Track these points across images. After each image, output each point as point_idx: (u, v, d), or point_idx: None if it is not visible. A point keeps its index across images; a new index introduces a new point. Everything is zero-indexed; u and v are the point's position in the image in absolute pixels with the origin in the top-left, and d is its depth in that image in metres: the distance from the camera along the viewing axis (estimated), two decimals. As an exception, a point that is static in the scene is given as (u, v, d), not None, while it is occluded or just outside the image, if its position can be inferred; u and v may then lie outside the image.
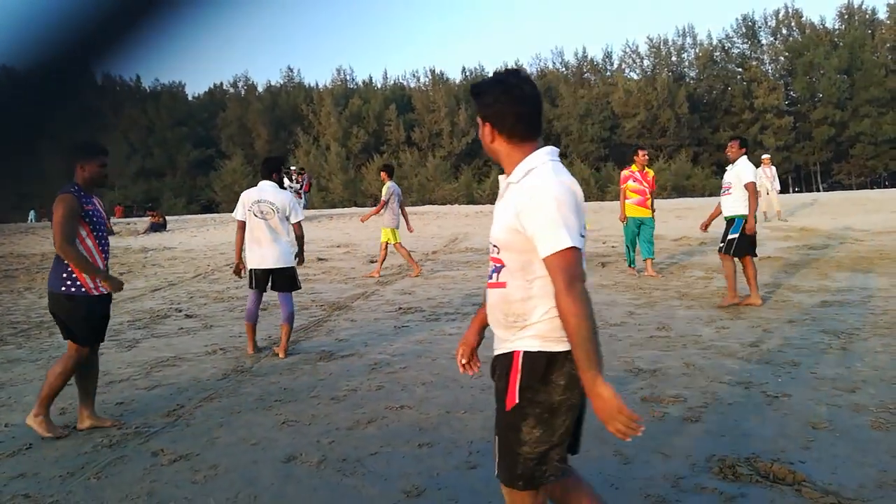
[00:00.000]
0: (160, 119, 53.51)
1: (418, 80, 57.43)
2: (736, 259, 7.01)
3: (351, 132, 51.35)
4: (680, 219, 16.80)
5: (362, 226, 20.57)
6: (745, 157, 7.13)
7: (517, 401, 1.91)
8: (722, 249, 7.12)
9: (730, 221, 7.11)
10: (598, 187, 41.83)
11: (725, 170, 7.33)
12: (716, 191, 39.16)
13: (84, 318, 3.98)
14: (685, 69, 52.91)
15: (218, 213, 39.68)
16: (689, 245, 11.94)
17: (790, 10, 51.56)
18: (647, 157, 9.53)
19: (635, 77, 51.81)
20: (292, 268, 5.76)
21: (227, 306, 8.15)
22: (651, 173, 9.44)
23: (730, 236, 7.03)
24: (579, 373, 1.80)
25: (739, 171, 7.06)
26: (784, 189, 46.05)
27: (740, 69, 51.73)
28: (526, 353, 1.92)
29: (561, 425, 1.92)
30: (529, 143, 1.99)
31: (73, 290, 3.94)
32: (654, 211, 9.29)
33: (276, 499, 3.08)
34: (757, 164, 16.07)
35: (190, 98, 60.11)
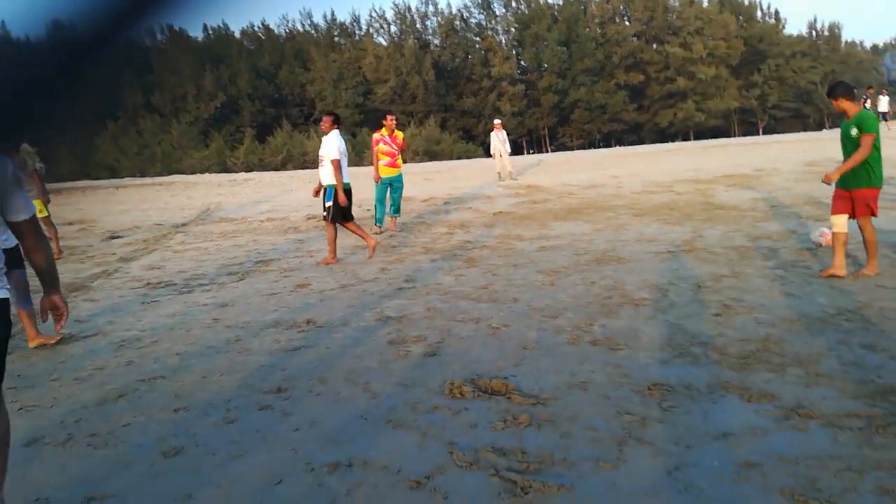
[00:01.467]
0: None
1: (154, 38, 52.46)
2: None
3: (76, 95, 45.48)
4: (428, 181, 17.97)
5: (99, 199, 18.65)
6: (335, 131, 7.91)
7: None
8: (325, 218, 7.90)
9: (325, 191, 7.90)
10: (356, 153, 42.42)
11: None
12: (463, 155, 41.95)
13: None
14: (430, 37, 55.42)
15: None
16: (436, 205, 12.92)
17: (517, -18, 56.39)
18: (394, 121, 10.23)
19: (384, 43, 53.04)
20: None
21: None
22: (401, 136, 10.24)
23: (326, 204, 7.83)
24: None
25: (327, 146, 7.86)
26: (519, 151, 51.11)
27: (478, 39, 55.64)
28: None
29: None
30: None
31: None
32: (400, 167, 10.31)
33: (20, 481, 2.96)
34: (491, 129, 17.75)
35: None
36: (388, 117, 10.29)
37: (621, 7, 57.18)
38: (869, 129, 5.55)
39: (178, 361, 4.58)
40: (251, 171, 36.00)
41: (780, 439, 2.90)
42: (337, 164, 7.74)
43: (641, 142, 53.38)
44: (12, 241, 4.92)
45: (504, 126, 17.91)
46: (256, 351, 4.71)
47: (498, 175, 16.99)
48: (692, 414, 3.22)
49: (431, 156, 42.28)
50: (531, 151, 56.11)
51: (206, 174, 32.28)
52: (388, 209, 10.17)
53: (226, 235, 10.88)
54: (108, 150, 42.30)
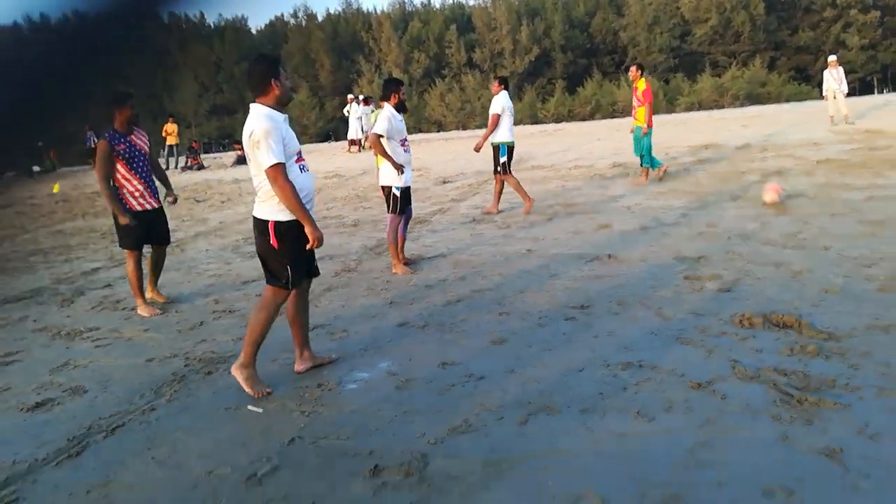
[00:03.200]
0: (226, 55, 54.88)
1: (477, -2, 56.18)
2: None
3: (412, 57, 51.33)
4: (745, 127, 16.83)
5: (432, 150, 21.35)
6: (504, 92, 8.49)
7: None
8: (497, 171, 8.65)
9: (496, 147, 8.54)
10: (668, 100, 40.81)
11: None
12: (793, 98, 37.49)
13: (124, 227, 5.26)
14: (761, -34, 49.65)
15: (290, 144, 41.22)
16: (750, 153, 12.24)
17: None
18: (637, 72, 10.08)
19: (707, -22, 49.08)
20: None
21: (323, 224, 9.25)
22: (641, 87, 9.95)
23: (501, 159, 8.54)
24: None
25: (493, 105, 8.48)
26: (869, 90, 43.62)
27: (823, -39, 48.19)
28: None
29: None
30: None
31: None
32: (647, 123, 9.82)
33: (397, 346, 4.14)
34: (824, 66, 15.84)
35: (253, 31, 61.13)
36: (630, 69, 10.32)
37: None
38: None
39: (500, 280, 5.54)
40: (560, 121, 37.16)
41: None
42: (495, 119, 8.40)
43: None
44: (409, 181, 6.25)
45: (840, 63, 15.81)
46: (563, 276, 5.45)
47: (831, 119, 15.19)
48: None
49: (754, 100, 38.67)
50: (885, 91, 47.45)
51: (519, 126, 34.30)
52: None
53: (537, 181, 11.86)
54: (436, 106, 47.27)
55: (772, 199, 7.45)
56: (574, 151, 15.96)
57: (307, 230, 3.48)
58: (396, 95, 6.08)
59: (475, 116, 44.24)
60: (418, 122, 46.30)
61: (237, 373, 3.60)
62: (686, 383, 3.21)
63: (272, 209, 3.51)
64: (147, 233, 5.42)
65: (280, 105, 3.55)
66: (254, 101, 3.55)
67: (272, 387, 3.64)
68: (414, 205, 10.25)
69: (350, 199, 11.63)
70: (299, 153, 3.63)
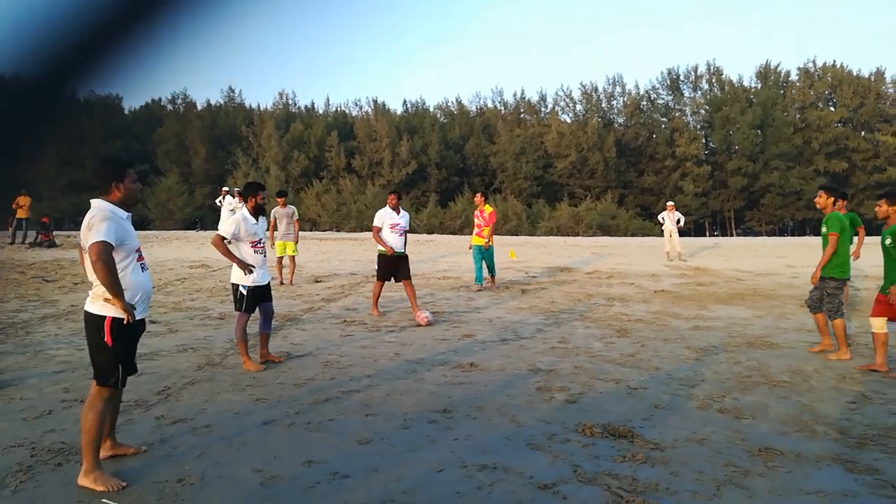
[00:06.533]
0: (93, 131, 52.56)
1: (360, 108, 58.59)
2: None
3: (291, 156, 51.92)
4: (595, 255, 18.54)
5: (305, 248, 21.41)
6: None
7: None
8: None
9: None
10: (530, 222, 43.86)
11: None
12: (638, 232, 41.52)
13: None
14: (614, 116, 56.18)
15: (151, 230, 39.47)
16: (599, 279, 13.50)
17: (711, 67, 55.76)
18: (481, 198, 12.34)
19: (568, 120, 54.68)
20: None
21: (187, 315, 9.03)
22: (487, 210, 12.14)
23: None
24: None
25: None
26: (702, 232, 49.41)
27: (664, 119, 55.39)
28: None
29: None
30: None
31: None
32: (489, 240, 11.96)
33: (261, 445, 4.16)
34: (664, 207, 18.02)
35: (126, 111, 59.21)
36: (475, 195, 12.47)
37: (826, 92, 54.22)
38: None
39: (368, 381, 5.72)
40: (432, 232, 38.64)
41: (868, 502, 3.29)
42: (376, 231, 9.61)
43: (840, 232, 48.98)
44: (266, 279, 6.38)
45: (677, 207, 18.13)
46: (428, 381, 5.73)
47: (667, 255, 17.17)
48: (793, 474, 3.67)
49: (605, 230, 42.46)
50: (715, 233, 53.95)
51: (392, 233, 35.25)
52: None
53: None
54: (311, 205, 47.62)
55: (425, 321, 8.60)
56: (444, 262, 16.71)
57: (118, 304, 3.47)
58: (253, 199, 6.27)
59: (350, 218, 44.94)
60: (291, 220, 46.00)
61: (84, 481, 3.46)
62: (534, 484, 3.54)
63: (109, 305, 3.53)
64: None
65: (124, 205, 3.68)
66: (97, 198, 3.63)
67: (129, 481, 3.54)
68: (285, 301, 10.30)
69: (217, 290, 11.40)
70: (139, 251, 3.72)
